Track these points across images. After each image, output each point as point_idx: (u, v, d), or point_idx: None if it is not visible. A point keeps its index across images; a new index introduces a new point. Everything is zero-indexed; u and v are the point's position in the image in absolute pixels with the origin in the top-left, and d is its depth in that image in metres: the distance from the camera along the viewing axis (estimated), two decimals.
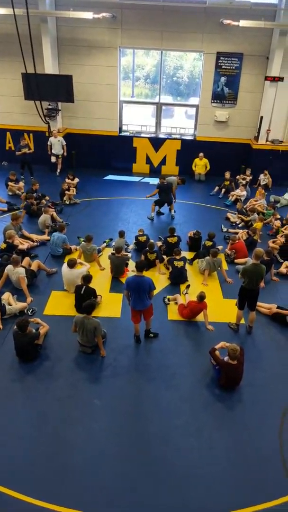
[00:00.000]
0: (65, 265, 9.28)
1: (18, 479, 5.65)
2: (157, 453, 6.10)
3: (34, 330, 7.62)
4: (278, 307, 8.99)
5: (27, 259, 9.89)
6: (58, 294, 9.39)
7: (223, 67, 15.73)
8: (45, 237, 11.49)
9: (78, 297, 8.55)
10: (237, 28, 14.47)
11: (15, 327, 7.40)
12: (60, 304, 9.08)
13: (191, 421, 6.60)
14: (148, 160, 17.30)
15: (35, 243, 11.15)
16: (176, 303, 9.21)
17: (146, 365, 7.67)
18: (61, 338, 8.06)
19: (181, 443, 6.25)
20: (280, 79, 15.01)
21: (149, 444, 6.23)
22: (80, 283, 8.70)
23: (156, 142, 17.01)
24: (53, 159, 15.98)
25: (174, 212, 13.60)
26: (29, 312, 8.65)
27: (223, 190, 15.40)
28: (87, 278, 8.58)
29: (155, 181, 14.47)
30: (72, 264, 9.14)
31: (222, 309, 9.15)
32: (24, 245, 10.60)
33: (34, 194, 13.36)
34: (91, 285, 8.69)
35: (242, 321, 8.68)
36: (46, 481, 5.65)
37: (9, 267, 9.14)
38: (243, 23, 14.13)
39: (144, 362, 7.73)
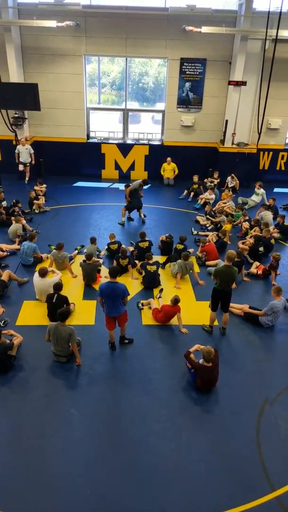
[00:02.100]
0: (36, 275, 9.18)
1: None
2: (136, 459, 6.08)
3: (7, 341, 7.51)
4: (250, 307, 9.13)
5: None
6: (30, 304, 9.27)
7: (187, 72, 15.96)
8: (15, 246, 11.31)
9: (51, 305, 8.46)
10: (200, 34, 14.72)
11: None
12: (32, 313, 8.97)
13: (169, 425, 6.61)
14: (117, 166, 17.34)
15: (5, 253, 10.99)
16: (150, 307, 9.23)
17: (122, 371, 7.65)
18: (35, 348, 7.94)
19: (160, 448, 6.25)
20: (243, 83, 15.34)
21: (128, 451, 6.21)
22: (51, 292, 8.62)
23: (124, 148, 17.07)
24: (20, 167, 15.81)
25: (145, 216, 13.65)
26: (1, 323, 8.49)
27: (192, 193, 15.59)
28: (57, 286, 8.50)
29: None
30: (43, 273, 9.05)
31: (195, 312, 9.22)
32: None
33: (4, 202, 13.20)
34: (64, 293, 8.62)
35: (216, 323, 8.78)
36: (23, 494, 5.53)
37: None
38: (205, 29, 14.40)
39: (120, 369, 7.71)
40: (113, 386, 7.33)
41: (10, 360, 7.45)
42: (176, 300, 8.49)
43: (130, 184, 13.33)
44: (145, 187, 13.89)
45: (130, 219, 13.72)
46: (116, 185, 16.76)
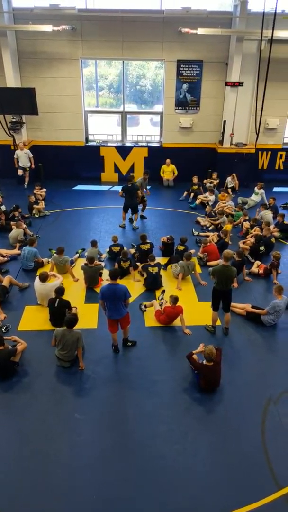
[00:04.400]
0: (37, 279, 9.16)
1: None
2: (141, 462, 6.06)
3: (10, 347, 7.50)
4: (252, 307, 9.12)
5: None
6: (32, 309, 9.25)
7: (184, 74, 15.99)
8: (16, 251, 11.30)
9: (53, 310, 8.45)
10: (196, 36, 14.74)
11: None
12: (34, 319, 8.95)
13: (174, 427, 6.59)
14: (117, 169, 17.36)
15: (5, 258, 10.98)
16: (155, 308, 9.21)
17: (126, 374, 7.63)
18: (38, 353, 7.93)
19: (165, 450, 6.22)
20: (240, 84, 15.36)
21: (133, 454, 6.19)
22: (53, 296, 8.61)
23: (123, 151, 17.10)
24: (20, 172, 15.81)
25: (144, 217, 13.58)
26: (3, 329, 8.47)
27: (192, 194, 15.61)
28: (59, 290, 8.48)
29: None
30: (44, 278, 9.03)
31: (198, 312, 9.21)
32: None
33: (3, 207, 13.20)
34: (66, 296, 8.61)
35: (218, 323, 8.77)
36: (27, 499, 5.51)
37: None
38: (200, 31, 14.41)
39: (124, 371, 7.69)
40: (117, 389, 7.31)
41: (13, 366, 7.43)
42: (175, 299, 8.48)
43: (131, 181, 13.04)
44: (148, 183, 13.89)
45: (131, 220, 13.71)
46: (116, 188, 16.75)
